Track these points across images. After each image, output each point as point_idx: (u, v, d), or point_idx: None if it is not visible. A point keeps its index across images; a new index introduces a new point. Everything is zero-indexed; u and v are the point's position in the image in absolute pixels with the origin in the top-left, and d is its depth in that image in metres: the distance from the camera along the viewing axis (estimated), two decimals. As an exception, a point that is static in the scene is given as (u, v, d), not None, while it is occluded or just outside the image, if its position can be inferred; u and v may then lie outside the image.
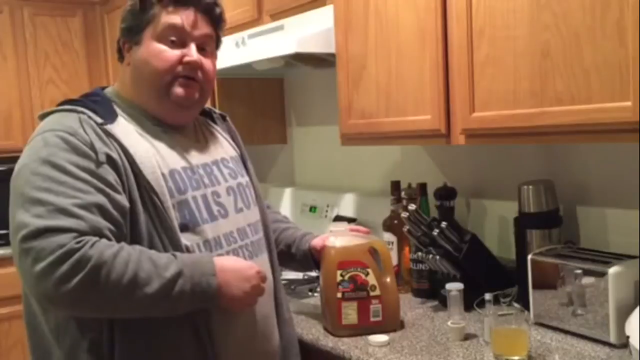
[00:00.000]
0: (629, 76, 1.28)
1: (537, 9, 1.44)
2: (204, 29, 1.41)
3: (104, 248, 1.17)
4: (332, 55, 2.06)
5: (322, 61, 2.25)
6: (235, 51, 2.42)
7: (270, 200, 2.93)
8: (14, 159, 1.30)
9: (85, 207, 1.19)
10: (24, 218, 1.17)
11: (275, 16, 2.37)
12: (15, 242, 1.18)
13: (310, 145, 2.90)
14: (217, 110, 1.64)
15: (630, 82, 1.28)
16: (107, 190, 1.23)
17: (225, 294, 1.28)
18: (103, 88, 1.46)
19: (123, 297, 1.18)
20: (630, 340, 1.25)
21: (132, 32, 1.39)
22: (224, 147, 1.55)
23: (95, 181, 1.22)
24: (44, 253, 1.13)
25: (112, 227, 1.22)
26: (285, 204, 2.90)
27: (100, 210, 1.20)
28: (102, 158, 1.24)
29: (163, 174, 1.33)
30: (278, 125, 3.00)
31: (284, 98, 3.00)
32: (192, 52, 1.38)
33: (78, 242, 1.14)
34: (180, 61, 1.37)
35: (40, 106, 3.58)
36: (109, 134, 1.29)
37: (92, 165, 1.23)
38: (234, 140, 1.61)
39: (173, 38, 1.37)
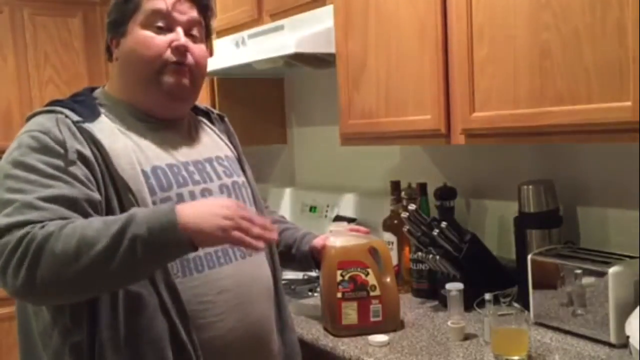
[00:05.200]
0: (629, 76, 1.28)
1: (537, 9, 1.44)
2: (190, 13, 1.38)
3: (53, 225, 1.11)
4: (332, 55, 2.06)
5: (322, 61, 2.25)
6: (235, 51, 2.42)
7: (270, 200, 2.93)
8: (14, 159, 1.30)
9: (49, 199, 1.16)
10: None
11: (275, 16, 2.37)
12: None
13: (310, 145, 2.90)
14: (215, 111, 1.62)
15: (630, 82, 1.28)
16: (77, 184, 1.20)
17: (193, 231, 1.13)
18: (93, 89, 1.45)
19: (76, 263, 1.09)
20: (630, 340, 1.25)
21: (118, 24, 1.37)
22: (219, 146, 1.51)
23: (64, 176, 1.19)
24: (4, 249, 1.11)
25: (81, 218, 1.17)
26: (285, 204, 2.90)
27: (68, 201, 1.17)
28: (73, 156, 1.22)
29: (144, 171, 1.30)
30: (278, 126, 3.00)
31: (284, 98, 3.00)
32: (179, 37, 1.35)
33: (32, 228, 1.11)
34: (168, 46, 1.35)
35: (40, 106, 3.57)
36: (84, 132, 1.27)
37: (60, 162, 1.21)
38: (231, 142, 1.57)
39: (160, 24, 1.35)
